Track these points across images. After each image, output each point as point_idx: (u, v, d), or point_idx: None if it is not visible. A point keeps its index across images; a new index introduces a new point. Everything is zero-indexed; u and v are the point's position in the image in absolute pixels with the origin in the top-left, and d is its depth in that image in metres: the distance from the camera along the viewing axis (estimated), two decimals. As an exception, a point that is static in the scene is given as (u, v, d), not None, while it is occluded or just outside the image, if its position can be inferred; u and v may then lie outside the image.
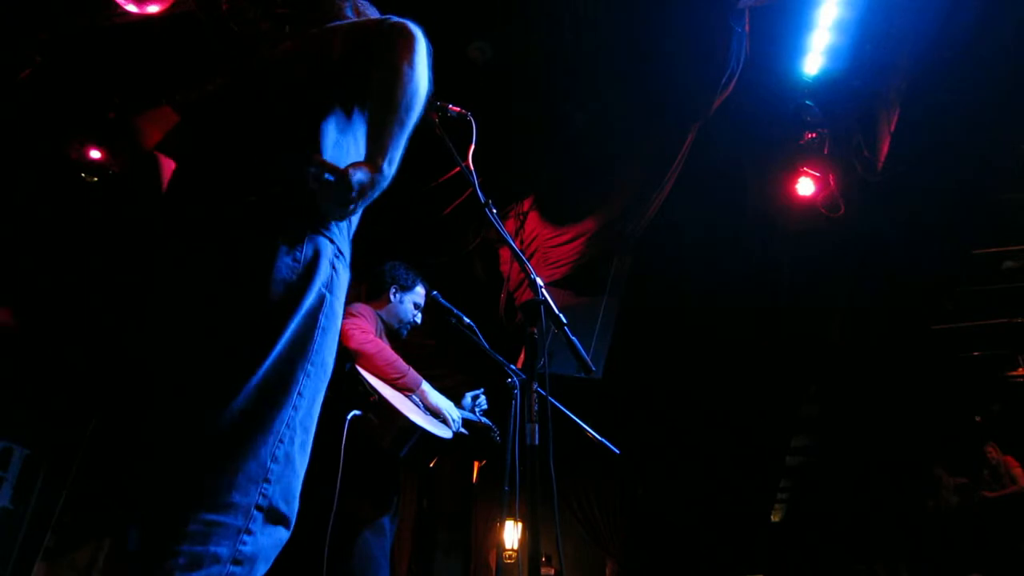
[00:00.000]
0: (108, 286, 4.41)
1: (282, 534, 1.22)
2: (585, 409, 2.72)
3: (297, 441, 1.23)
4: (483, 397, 3.18)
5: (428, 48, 1.45)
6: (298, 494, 1.26)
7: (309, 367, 1.24)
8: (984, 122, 4.15)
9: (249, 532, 1.14)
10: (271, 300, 1.19)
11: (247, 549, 1.13)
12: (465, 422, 2.96)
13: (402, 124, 1.31)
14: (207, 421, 1.15)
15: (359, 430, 2.46)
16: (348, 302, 3.03)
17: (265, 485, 1.17)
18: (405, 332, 3.11)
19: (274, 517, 1.19)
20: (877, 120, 4.36)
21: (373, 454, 2.55)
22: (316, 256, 1.25)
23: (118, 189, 4.29)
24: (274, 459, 1.18)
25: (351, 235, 1.47)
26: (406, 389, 2.73)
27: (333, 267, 1.29)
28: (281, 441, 1.19)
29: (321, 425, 2.49)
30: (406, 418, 2.53)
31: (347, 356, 2.60)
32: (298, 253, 1.23)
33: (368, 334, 2.70)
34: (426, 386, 2.80)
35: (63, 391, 4.51)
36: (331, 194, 1.22)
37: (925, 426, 6.79)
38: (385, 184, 1.28)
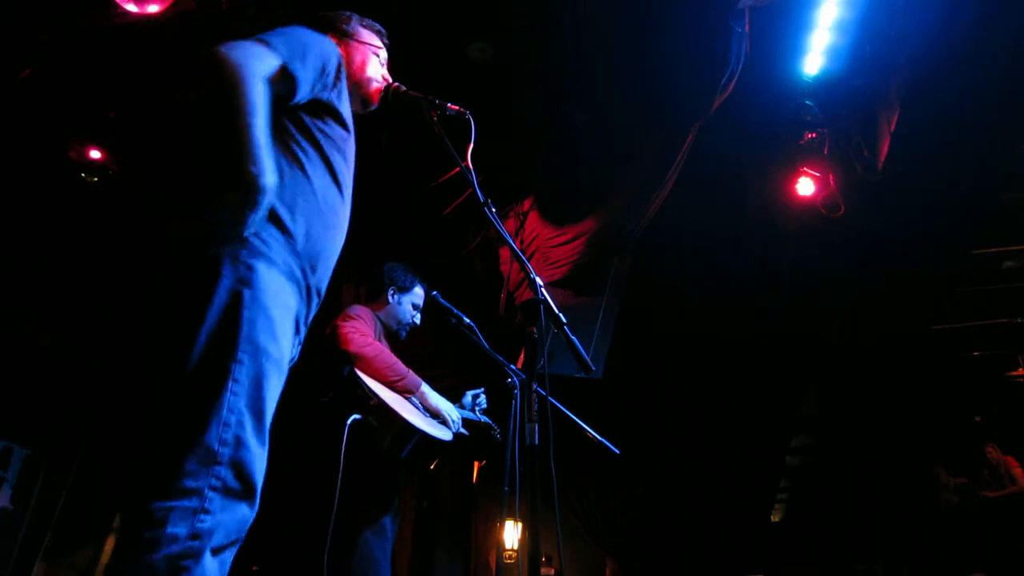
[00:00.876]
0: (108, 286, 4.41)
1: (245, 510, 1.32)
2: (585, 409, 2.72)
3: (247, 424, 1.33)
4: (483, 396, 3.17)
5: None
6: (261, 471, 1.36)
7: (241, 355, 1.34)
8: (984, 122, 4.15)
9: (206, 511, 1.24)
10: (184, 305, 1.36)
11: (205, 526, 1.24)
12: (465, 422, 2.95)
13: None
14: (156, 420, 1.31)
15: (359, 433, 2.46)
16: (348, 303, 3.05)
17: (216, 468, 1.26)
18: (404, 333, 3.11)
19: (232, 494, 1.29)
20: (877, 120, 4.36)
21: (373, 456, 2.55)
22: (219, 264, 1.38)
23: (118, 189, 4.29)
24: (223, 443, 1.28)
25: (297, 226, 1.55)
26: (406, 391, 2.73)
27: (248, 267, 1.40)
28: (227, 425, 1.29)
29: (322, 429, 2.51)
30: (405, 421, 2.53)
31: (346, 360, 2.60)
32: (202, 267, 1.38)
33: (367, 337, 2.70)
34: (425, 388, 2.79)
35: (63, 391, 4.51)
36: (220, 221, 1.39)
37: (925, 426, 6.79)
38: (262, 181, 1.37)
